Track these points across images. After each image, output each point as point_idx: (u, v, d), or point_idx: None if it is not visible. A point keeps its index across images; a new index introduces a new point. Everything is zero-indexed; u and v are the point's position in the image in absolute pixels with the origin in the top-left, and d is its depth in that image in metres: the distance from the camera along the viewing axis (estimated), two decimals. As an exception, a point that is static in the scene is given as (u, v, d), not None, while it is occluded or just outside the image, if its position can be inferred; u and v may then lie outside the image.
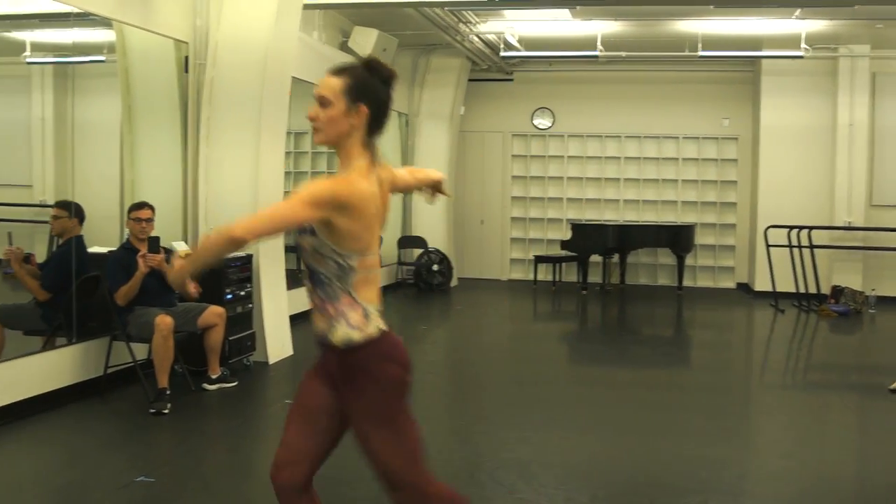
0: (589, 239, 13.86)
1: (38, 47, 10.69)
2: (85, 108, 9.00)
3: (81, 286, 6.70)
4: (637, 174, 15.05)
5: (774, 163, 13.75)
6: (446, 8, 10.68)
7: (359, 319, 2.84)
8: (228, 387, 7.13)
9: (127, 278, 6.54)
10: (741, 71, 14.48)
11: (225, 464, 5.55)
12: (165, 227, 7.32)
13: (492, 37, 12.66)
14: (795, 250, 12.54)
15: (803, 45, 11.76)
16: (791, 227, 12.62)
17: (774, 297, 12.60)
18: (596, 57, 12.45)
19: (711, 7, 10.42)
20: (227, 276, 7.58)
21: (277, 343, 8.29)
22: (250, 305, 7.96)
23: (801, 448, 6.05)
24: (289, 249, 8.81)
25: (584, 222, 14.51)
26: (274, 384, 7.73)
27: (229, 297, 7.56)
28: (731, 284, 14.90)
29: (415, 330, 11.20)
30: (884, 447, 6.05)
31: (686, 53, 12.50)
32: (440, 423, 6.67)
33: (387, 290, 13.61)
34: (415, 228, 14.37)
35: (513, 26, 12.18)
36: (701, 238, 14.63)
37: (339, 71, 2.87)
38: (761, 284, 13.40)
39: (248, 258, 7.86)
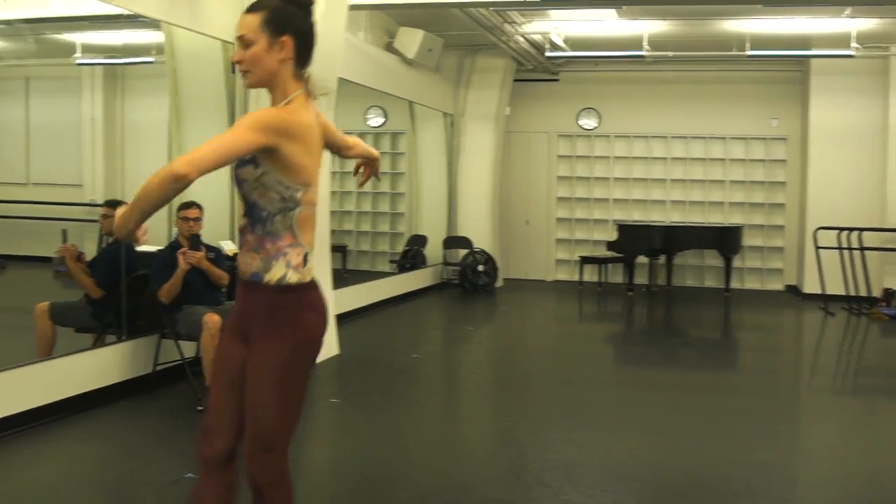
0: (635, 240, 13.77)
1: (88, 49, 10.85)
2: (134, 108, 9.13)
3: (131, 284, 6.78)
4: (683, 175, 14.92)
5: (824, 163, 13.56)
6: (491, 8, 10.65)
7: (298, 261, 2.76)
8: (274, 385, 7.15)
9: (170, 276, 6.61)
10: (789, 70, 14.30)
11: (271, 462, 5.57)
12: (213, 227, 7.38)
13: (537, 37, 12.62)
14: (846, 252, 12.35)
15: (853, 44, 11.58)
16: (841, 229, 12.44)
17: (824, 300, 12.43)
18: (642, 57, 12.38)
19: (760, 6, 10.31)
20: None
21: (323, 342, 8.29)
22: (296, 304, 7.97)
23: (851, 453, 5.95)
24: (335, 249, 8.85)
25: (630, 223, 14.42)
26: (320, 383, 7.75)
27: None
28: (779, 286, 14.72)
29: (461, 330, 11.21)
30: (937, 453, 5.95)
31: (734, 53, 12.38)
32: (485, 423, 6.67)
33: (432, 291, 13.64)
34: (460, 229, 14.37)
35: (558, 26, 12.12)
36: (749, 239, 14.47)
37: (253, 6, 2.74)
38: (810, 287, 13.22)
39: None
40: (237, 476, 2.91)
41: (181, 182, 2.45)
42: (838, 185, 13.47)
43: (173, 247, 6.82)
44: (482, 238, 14.22)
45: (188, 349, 6.91)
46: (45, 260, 7.93)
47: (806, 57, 13.25)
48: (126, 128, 8.86)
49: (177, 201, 7.37)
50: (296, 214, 2.74)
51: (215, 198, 7.99)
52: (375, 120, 14.52)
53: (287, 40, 2.72)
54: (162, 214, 7.87)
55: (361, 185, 3.42)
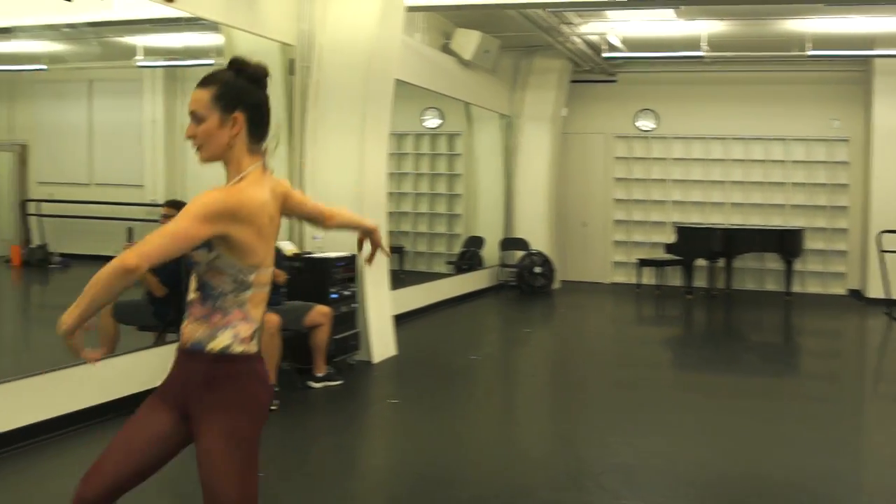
0: (694, 242, 13.63)
1: (149, 51, 11.04)
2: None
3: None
4: (743, 177, 14.72)
5: (888, 165, 13.29)
6: (548, 9, 10.61)
7: (246, 335, 2.71)
8: (333, 385, 7.21)
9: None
10: (852, 71, 14.03)
11: (329, 460, 5.60)
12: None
13: (594, 38, 12.55)
14: (911, 256, 12.12)
15: (920, 43, 11.37)
16: (905, 232, 12.20)
17: (888, 305, 12.19)
18: (701, 57, 12.25)
19: (822, 5, 10.13)
20: (332, 276, 7.68)
21: (381, 343, 8.35)
22: (354, 305, 8.03)
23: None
24: (392, 251, 8.87)
25: (689, 225, 14.26)
26: (377, 384, 7.79)
27: (334, 296, 7.65)
28: (841, 291, 14.46)
29: (518, 332, 11.19)
30: None
31: (794, 53, 12.20)
32: (543, 426, 6.64)
33: (488, 292, 13.62)
34: (517, 230, 14.33)
35: (615, 27, 12.03)
36: (810, 242, 14.22)
37: (205, 81, 2.68)
38: (874, 291, 12.98)
39: (353, 258, 7.93)
40: None
41: (132, 275, 2.45)
42: (903, 188, 13.21)
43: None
44: (539, 240, 14.17)
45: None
46: (106, 259, 8.01)
47: (869, 57, 13.01)
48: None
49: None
50: (248, 295, 2.71)
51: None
52: (432, 121, 14.57)
53: (239, 116, 2.66)
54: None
55: (369, 262, 3.30)
